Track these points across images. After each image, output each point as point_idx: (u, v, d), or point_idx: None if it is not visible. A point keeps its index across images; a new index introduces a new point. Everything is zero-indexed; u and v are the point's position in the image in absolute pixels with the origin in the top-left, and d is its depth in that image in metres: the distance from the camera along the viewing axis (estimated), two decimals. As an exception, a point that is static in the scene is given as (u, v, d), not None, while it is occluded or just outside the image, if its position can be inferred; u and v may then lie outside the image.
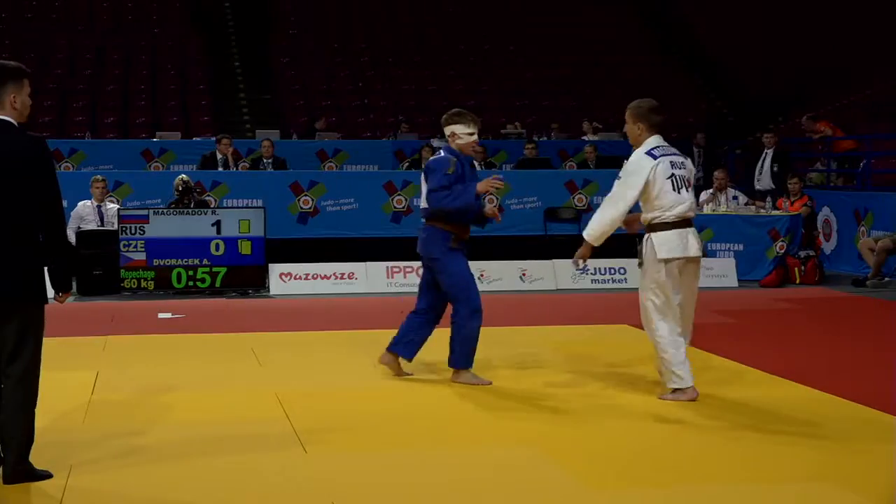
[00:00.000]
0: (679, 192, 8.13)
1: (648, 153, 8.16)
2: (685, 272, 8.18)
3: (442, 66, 26.67)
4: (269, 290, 14.89)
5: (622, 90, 25.92)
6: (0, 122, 6.10)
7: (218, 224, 14.71)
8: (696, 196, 17.10)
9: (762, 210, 16.85)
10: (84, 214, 15.18)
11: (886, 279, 15.59)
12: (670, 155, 8.22)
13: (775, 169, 18.31)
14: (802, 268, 16.10)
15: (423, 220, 9.02)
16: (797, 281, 16.03)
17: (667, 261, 8.07)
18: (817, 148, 20.77)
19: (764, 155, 18.74)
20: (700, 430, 7.52)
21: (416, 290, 14.81)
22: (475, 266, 15.17)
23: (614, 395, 8.63)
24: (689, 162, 8.38)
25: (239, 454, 6.79)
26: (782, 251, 16.06)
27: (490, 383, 8.81)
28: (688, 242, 8.11)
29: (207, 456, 6.75)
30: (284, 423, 7.53)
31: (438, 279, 8.88)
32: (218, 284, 14.67)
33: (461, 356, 8.82)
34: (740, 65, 27.82)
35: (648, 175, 8.06)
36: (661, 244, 8.08)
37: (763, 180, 18.51)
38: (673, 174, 8.12)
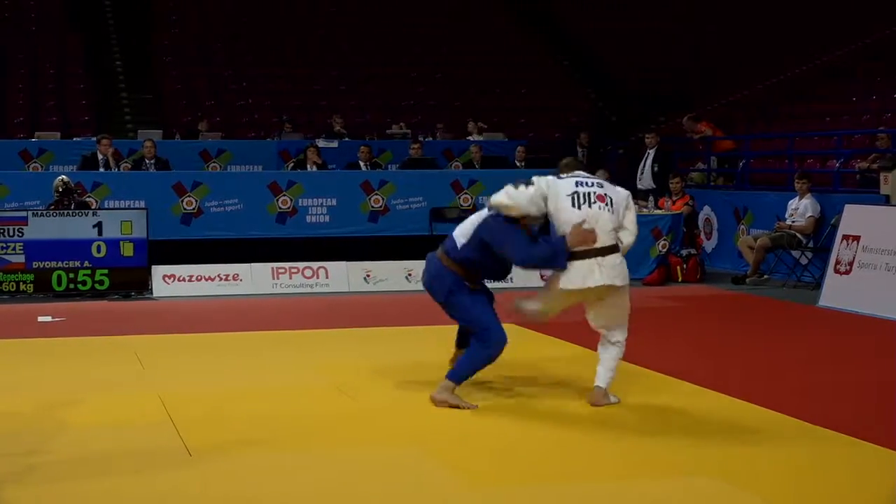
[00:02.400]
0: (579, 209, 7.71)
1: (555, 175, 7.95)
2: (597, 300, 7.90)
3: (326, 66, 26.55)
4: (152, 293, 14.73)
5: (506, 90, 26.17)
6: None
7: (99, 226, 14.52)
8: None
9: (644, 209, 17.05)
10: (-40, 216, 14.86)
11: (765, 276, 15.91)
12: (580, 177, 7.89)
13: (656, 169, 18.53)
14: (684, 266, 16.35)
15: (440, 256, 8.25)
16: (679, 279, 16.28)
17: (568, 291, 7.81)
18: (698, 148, 21.09)
19: (646, 155, 18.96)
20: (584, 427, 7.60)
21: (301, 290, 14.96)
22: (360, 266, 15.37)
23: (499, 392, 8.69)
24: (611, 186, 8.00)
25: (123, 459, 6.71)
26: (665, 250, 16.28)
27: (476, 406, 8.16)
28: (593, 272, 7.68)
29: (91, 463, 6.65)
30: (168, 426, 7.45)
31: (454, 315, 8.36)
32: (99, 287, 14.46)
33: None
34: (622, 65, 28.13)
35: (543, 184, 7.74)
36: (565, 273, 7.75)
37: (645, 180, 18.73)
38: (576, 192, 7.73)
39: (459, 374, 8.20)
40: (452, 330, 11.86)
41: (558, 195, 7.76)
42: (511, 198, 7.80)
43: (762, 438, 7.25)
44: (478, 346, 8.14)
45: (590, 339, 9.84)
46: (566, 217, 7.73)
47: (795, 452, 6.92)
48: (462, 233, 8.13)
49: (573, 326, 10.04)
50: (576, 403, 8.29)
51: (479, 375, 9.32)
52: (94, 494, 6.09)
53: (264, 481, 6.29)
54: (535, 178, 7.90)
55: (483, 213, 8.11)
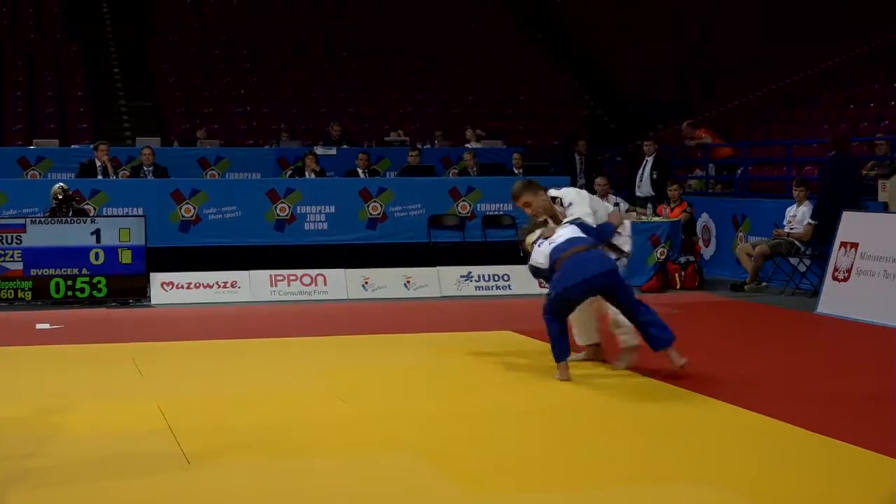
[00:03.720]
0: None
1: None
2: None
3: (324, 74, 26.60)
4: (150, 300, 14.73)
5: (505, 97, 26.21)
6: None
7: (97, 233, 14.54)
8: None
9: (643, 217, 17.08)
10: (-42, 223, 14.83)
11: (763, 284, 15.89)
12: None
13: (655, 176, 18.58)
14: (682, 273, 16.35)
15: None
16: (677, 286, 16.27)
17: None
18: (696, 155, 21.11)
19: (644, 162, 19.02)
20: (582, 434, 7.62)
21: (299, 298, 14.93)
22: (358, 273, 15.36)
23: (498, 399, 8.71)
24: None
25: (121, 466, 6.72)
26: (663, 257, 16.28)
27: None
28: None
29: (89, 470, 6.66)
30: (167, 433, 7.45)
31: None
32: (98, 294, 14.47)
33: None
34: (620, 72, 28.19)
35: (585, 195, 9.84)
36: None
37: (643, 187, 18.78)
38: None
39: (665, 337, 9.39)
40: (450, 338, 11.86)
41: (592, 198, 9.94)
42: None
43: (761, 446, 7.26)
44: (647, 310, 9.42)
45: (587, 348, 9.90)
46: (606, 208, 10.00)
47: (794, 460, 6.94)
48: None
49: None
50: (574, 410, 8.30)
51: (478, 382, 9.36)
52: (92, 501, 6.10)
53: (263, 488, 6.29)
54: (565, 194, 9.77)
55: (582, 220, 9.57)
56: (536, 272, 9.79)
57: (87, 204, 16.05)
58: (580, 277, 9.12)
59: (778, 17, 28.02)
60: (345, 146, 21.01)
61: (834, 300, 13.65)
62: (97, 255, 14.49)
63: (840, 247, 13.99)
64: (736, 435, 7.59)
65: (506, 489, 6.35)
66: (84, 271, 14.45)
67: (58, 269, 14.39)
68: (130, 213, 15.88)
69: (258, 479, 6.47)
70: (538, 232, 9.72)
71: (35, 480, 6.42)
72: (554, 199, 9.70)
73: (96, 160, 17.76)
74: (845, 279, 13.69)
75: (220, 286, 15.03)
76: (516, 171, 19.32)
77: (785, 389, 9.14)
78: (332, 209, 17.13)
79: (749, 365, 10.22)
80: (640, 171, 19.01)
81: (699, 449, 7.22)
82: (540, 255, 9.48)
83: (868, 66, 23.03)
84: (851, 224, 14.23)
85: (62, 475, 6.52)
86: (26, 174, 18.99)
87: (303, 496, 6.21)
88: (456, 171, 20.41)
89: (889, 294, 12.85)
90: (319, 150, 19.84)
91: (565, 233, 9.42)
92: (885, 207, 14.82)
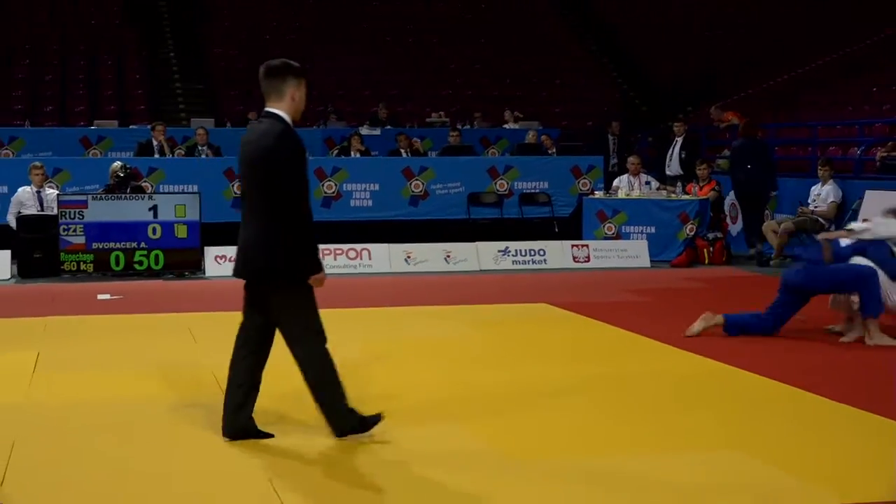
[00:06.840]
0: None
1: None
2: None
3: (368, 56, 27.01)
4: (204, 272, 15.17)
5: (542, 80, 26.58)
6: (273, 114, 6.59)
7: (155, 209, 14.97)
8: (609, 182, 17.87)
9: (673, 195, 17.52)
10: (24, 200, 15.43)
11: (788, 259, 16.20)
12: None
13: (684, 156, 18.91)
14: (710, 249, 16.81)
15: None
16: (706, 261, 16.72)
17: None
18: (724, 136, 21.44)
19: (674, 142, 19.36)
20: (607, 403, 7.80)
21: (345, 271, 15.39)
22: (401, 248, 15.82)
23: (532, 369, 8.87)
24: None
25: (177, 429, 7.05)
26: (692, 233, 16.78)
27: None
28: None
29: (147, 431, 7.00)
30: (220, 398, 7.30)
31: None
32: (155, 267, 14.94)
33: None
34: (653, 57, 28.50)
35: None
36: None
37: (673, 166, 19.12)
38: None
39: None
40: (488, 310, 12.14)
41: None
42: None
43: (783, 413, 7.42)
44: None
45: (620, 319, 10.45)
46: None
47: (817, 426, 7.13)
48: None
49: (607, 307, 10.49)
50: (602, 381, 8.41)
51: (516, 352, 9.80)
52: (146, 459, 6.45)
53: (315, 461, 6.44)
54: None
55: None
56: None
57: (145, 181, 16.66)
58: None
59: (804, 3, 28.30)
60: (388, 127, 21.48)
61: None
62: (154, 229, 14.97)
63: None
64: (758, 402, 7.73)
65: (531, 454, 6.50)
66: (142, 245, 14.93)
67: (117, 243, 14.88)
68: (186, 190, 16.29)
69: (307, 443, 6.66)
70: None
71: (95, 440, 6.79)
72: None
73: (153, 140, 18.36)
74: (865, 255, 14.04)
75: (269, 260, 15.52)
76: (549, 152, 19.86)
77: (806, 359, 9.31)
78: (377, 187, 17.74)
79: (774, 337, 10.32)
80: (670, 151, 19.32)
81: (723, 416, 7.36)
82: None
83: (891, 50, 23.27)
84: (873, 202, 14.61)
85: (119, 437, 6.86)
86: (88, 153, 19.60)
87: (352, 460, 6.42)
88: (496, 150, 20.90)
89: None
90: (364, 131, 20.30)
91: None
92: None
